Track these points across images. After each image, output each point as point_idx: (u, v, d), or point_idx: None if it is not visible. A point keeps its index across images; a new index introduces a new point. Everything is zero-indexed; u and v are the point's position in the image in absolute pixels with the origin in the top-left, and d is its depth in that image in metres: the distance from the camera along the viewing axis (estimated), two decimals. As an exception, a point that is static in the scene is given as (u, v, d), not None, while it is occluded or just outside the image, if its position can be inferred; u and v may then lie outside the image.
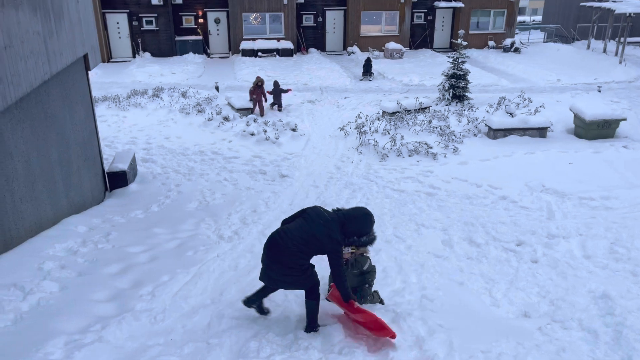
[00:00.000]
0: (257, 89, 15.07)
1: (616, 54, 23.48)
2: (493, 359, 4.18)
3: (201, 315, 4.59)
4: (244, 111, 15.02)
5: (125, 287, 5.08)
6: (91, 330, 4.09)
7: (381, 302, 5.05)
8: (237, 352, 3.96)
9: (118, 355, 3.81)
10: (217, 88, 18.52)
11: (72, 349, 3.76)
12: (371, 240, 4.50)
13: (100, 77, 20.50)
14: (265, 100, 15.54)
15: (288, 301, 4.95)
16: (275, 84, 16.04)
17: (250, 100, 15.27)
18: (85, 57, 8.35)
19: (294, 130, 13.04)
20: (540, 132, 12.16)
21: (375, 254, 6.34)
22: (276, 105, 16.00)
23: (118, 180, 9.01)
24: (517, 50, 26.91)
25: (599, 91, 16.95)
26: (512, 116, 12.26)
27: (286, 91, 16.05)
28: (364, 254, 5.16)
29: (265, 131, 12.56)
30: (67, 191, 7.15)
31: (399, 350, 4.09)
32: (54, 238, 6.05)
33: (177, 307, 4.71)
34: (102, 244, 6.24)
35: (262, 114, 15.26)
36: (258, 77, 15.32)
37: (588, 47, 26.45)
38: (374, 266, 5.24)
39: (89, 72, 8.51)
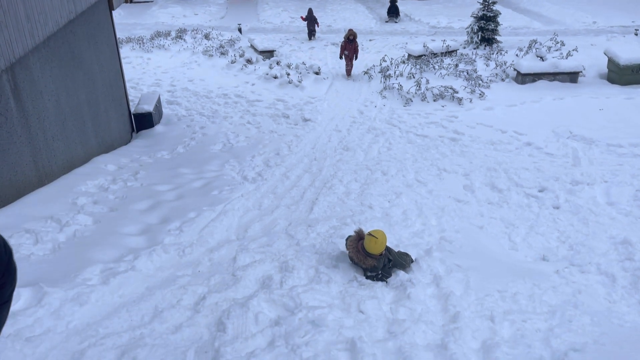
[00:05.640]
0: (349, 43, 12.92)
1: (659, -5, 22.13)
2: (508, 297, 4.30)
3: (227, 250, 4.78)
4: (267, 54, 14.86)
5: (154, 222, 5.30)
6: (124, 260, 4.32)
7: (411, 261, 4.71)
8: (262, 283, 4.15)
9: (149, 283, 4.04)
10: (239, 30, 18.25)
11: (107, 276, 4.00)
12: None
13: (123, 18, 20.36)
14: (356, 58, 13.26)
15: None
16: (310, 11, 17.42)
17: (341, 57, 13.19)
18: (109, -4, 8.30)
19: (317, 73, 12.89)
20: (571, 77, 11.77)
21: (396, 197, 6.42)
22: (313, 32, 17.53)
23: (144, 121, 9.17)
24: (552, -10, 25.51)
25: (636, 34, 16.16)
26: (543, 60, 11.85)
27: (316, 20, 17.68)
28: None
29: (289, 74, 12.45)
30: (96, 131, 7.33)
31: (417, 287, 4.22)
32: (85, 175, 6.28)
33: (204, 242, 4.90)
34: (131, 182, 6.45)
35: (349, 74, 13.18)
36: (350, 30, 13.09)
37: (629, -12, 24.93)
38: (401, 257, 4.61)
39: (113, 12, 8.49)
